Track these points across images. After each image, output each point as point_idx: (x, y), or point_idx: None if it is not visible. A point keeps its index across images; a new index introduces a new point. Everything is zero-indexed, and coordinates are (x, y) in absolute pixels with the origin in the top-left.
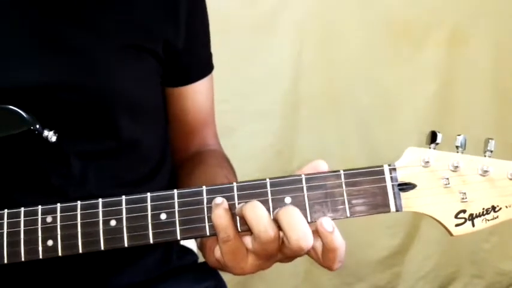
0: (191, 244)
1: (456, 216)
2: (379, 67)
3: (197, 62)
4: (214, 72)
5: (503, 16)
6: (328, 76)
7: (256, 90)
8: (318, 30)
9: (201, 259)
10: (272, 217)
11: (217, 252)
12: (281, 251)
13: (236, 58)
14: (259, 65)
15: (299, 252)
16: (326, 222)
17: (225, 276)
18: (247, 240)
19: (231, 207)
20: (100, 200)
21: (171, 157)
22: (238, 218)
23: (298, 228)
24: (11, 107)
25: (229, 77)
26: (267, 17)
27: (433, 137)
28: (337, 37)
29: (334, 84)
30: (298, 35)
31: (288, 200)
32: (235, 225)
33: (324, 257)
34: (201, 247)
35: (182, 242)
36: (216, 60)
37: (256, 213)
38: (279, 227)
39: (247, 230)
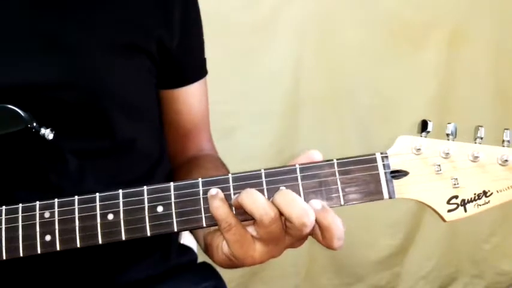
0: (190, 242)
1: (448, 202)
2: (379, 67)
3: (191, 65)
4: (214, 72)
5: (503, 16)
6: (328, 76)
7: (257, 90)
8: (318, 30)
9: (200, 259)
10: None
11: (224, 247)
12: (287, 233)
13: (236, 59)
14: (260, 65)
15: (303, 229)
16: (314, 202)
17: (225, 276)
18: (251, 229)
19: (227, 198)
20: (97, 194)
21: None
22: (234, 209)
23: (296, 206)
24: (7, 105)
25: (229, 77)
26: (267, 17)
27: (423, 126)
28: (337, 37)
29: (334, 84)
30: (298, 36)
31: (283, 189)
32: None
33: (322, 237)
34: (206, 250)
35: (182, 241)
36: (216, 60)
37: (253, 198)
38: (280, 211)
39: (246, 219)
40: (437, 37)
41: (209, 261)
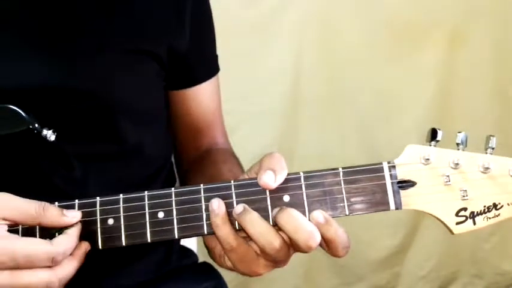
0: (191, 244)
1: (457, 214)
2: (379, 67)
3: (202, 64)
4: None
5: (503, 16)
6: (328, 76)
7: (257, 90)
8: (318, 30)
9: (200, 259)
10: (271, 218)
11: (228, 262)
12: (292, 248)
13: (236, 58)
14: (260, 65)
15: (309, 250)
16: (316, 215)
17: (225, 276)
18: (255, 246)
19: (229, 206)
20: (98, 198)
21: (179, 158)
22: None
23: (302, 230)
24: (10, 106)
25: (229, 77)
26: (268, 17)
27: (433, 134)
28: (337, 37)
29: (334, 84)
30: (298, 35)
31: (286, 198)
32: (236, 231)
33: (327, 247)
34: (208, 251)
35: (182, 242)
36: None
37: (257, 227)
38: (284, 233)
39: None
40: (437, 37)
41: (209, 261)
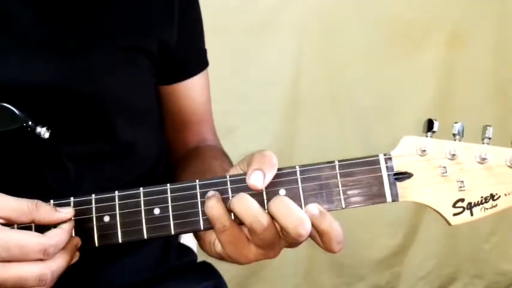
0: (191, 243)
1: (454, 206)
2: (379, 67)
3: (191, 58)
4: (214, 72)
5: (503, 16)
6: (328, 76)
7: (256, 90)
8: (318, 30)
9: (200, 258)
10: (266, 211)
11: (217, 246)
12: (283, 238)
13: (236, 58)
14: (260, 64)
15: (299, 238)
16: (311, 207)
17: (225, 276)
18: (246, 231)
19: (225, 201)
20: (93, 195)
21: (169, 154)
22: (232, 214)
23: (292, 216)
24: (2, 104)
25: (229, 76)
26: (268, 16)
27: (429, 125)
28: (337, 37)
29: (334, 84)
30: (298, 35)
31: (282, 192)
32: (230, 215)
33: (321, 241)
34: (198, 241)
35: (182, 241)
36: (216, 60)
37: (244, 204)
38: (275, 219)
39: (242, 223)
40: (437, 37)
41: (209, 260)
